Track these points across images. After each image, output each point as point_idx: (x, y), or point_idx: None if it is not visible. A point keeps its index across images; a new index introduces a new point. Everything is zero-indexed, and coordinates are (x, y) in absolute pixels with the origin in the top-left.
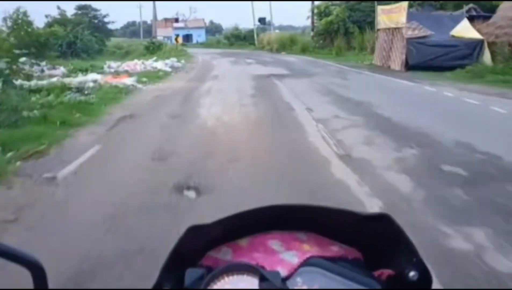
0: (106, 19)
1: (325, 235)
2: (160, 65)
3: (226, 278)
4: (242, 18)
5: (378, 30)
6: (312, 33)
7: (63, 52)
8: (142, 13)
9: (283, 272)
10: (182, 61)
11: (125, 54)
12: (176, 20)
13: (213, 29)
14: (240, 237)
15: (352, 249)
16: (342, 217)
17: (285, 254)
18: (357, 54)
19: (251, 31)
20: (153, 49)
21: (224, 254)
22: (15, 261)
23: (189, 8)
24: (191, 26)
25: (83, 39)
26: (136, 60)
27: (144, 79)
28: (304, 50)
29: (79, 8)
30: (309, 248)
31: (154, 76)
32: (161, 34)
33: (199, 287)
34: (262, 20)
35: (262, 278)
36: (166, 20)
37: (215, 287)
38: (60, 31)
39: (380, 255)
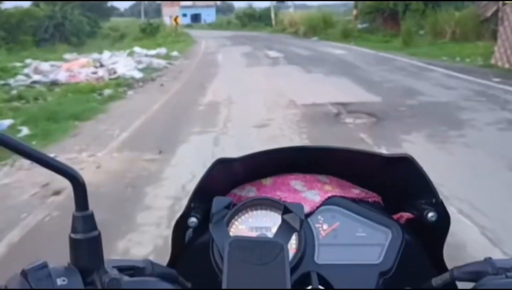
0: None
1: (347, 179)
2: (127, 65)
3: (250, 212)
4: None
5: (505, 4)
6: (354, 12)
7: (52, 35)
8: None
9: (306, 209)
10: (175, 52)
11: (119, 38)
12: None
13: (224, 8)
14: (264, 177)
15: (372, 193)
16: (364, 158)
17: (307, 193)
18: (432, 43)
19: (267, 9)
20: (150, 31)
21: (248, 192)
22: (59, 173)
23: None
24: (200, 4)
25: (72, 20)
26: (103, 54)
27: None
28: (346, 36)
29: None
30: (331, 189)
31: (60, 115)
32: (167, 13)
33: (226, 215)
34: None
35: (286, 211)
36: None
37: (239, 220)
38: (37, 11)
39: (400, 198)
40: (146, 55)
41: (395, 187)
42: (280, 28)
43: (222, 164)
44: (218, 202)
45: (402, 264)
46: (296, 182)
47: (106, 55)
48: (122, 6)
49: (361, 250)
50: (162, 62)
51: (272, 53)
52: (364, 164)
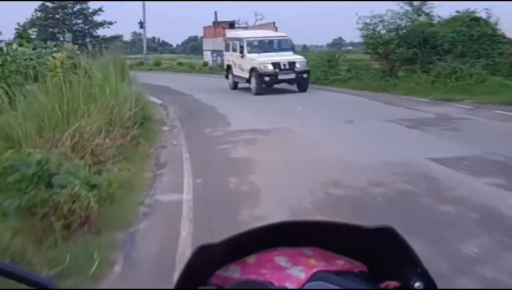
0: (97, 18)
1: (330, 249)
2: None
3: None
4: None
5: None
6: None
7: None
8: (201, 20)
9: (292, 287)
10: None
11: None
12: (231, 25)
13: None
14: (247, 254)
15: (357, 263)
16: (346, 231)
17: (292, 270)
18: None
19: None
20: None
21: (233, 272)
22: (34, 285)
23: (254, 13)
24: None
25: None
26: None
27: None
28: None
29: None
30: (315, 263)
31: None
32: (208, 47)
33: None
34: None
35: None
36: (215, 24)
37: None
38: None
39: (385, 267)
40: None
41: (379, 257)
42: None
43: (203, 250)
44: None
45: None
46: (280, 258)
47: None
48: (175, 41)
49: None
50: None
51: None
52: (346, 235)
